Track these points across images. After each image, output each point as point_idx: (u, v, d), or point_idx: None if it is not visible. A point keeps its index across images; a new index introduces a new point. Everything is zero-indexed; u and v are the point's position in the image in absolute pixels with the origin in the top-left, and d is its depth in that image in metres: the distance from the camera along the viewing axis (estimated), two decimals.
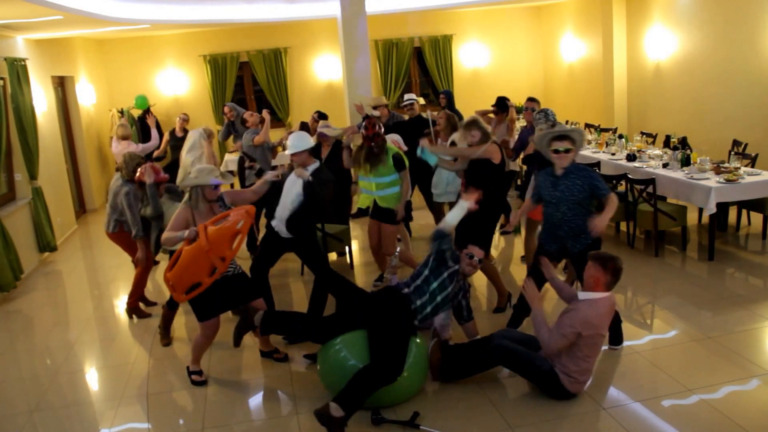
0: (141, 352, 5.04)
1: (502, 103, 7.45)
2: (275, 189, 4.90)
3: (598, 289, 3.80)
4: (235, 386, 4.39)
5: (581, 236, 4.29)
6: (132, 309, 5.75)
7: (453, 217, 4.43)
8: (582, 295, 3.86)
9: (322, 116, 8.68)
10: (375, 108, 7.40)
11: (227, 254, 4.02)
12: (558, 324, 3.83)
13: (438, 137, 6.54)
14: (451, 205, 6.51)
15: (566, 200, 4.25)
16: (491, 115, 7.64)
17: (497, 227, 6.78)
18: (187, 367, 4.51)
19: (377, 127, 5.29)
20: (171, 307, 5.12)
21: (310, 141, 4.84)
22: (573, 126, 4.11)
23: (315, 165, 4.88)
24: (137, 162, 5.43)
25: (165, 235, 4.20)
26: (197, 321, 4.32)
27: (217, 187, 4.27)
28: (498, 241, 7.32)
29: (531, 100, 6.87)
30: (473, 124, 5.00)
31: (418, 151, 5.22)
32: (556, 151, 4.22)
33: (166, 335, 5.16)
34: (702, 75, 9.04)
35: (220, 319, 4.36)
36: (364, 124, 5.35)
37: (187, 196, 4.30)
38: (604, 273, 3.76)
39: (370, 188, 5.51)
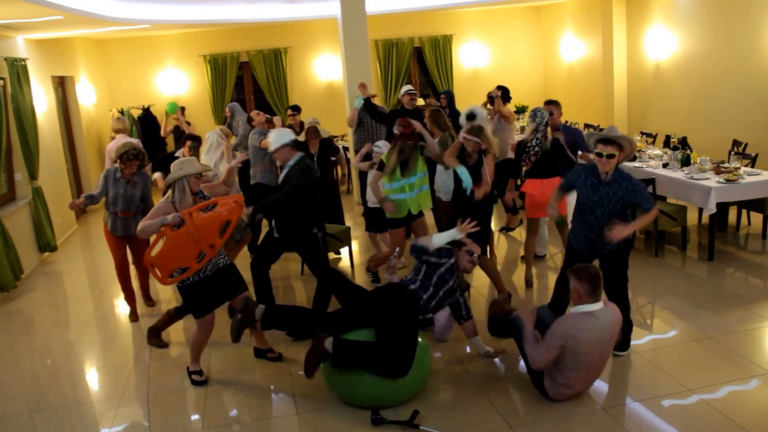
0: (141, 352, 5.04)
1: (492, 100, 7.55)
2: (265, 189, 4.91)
3: (583, 301, 3.68)
4: (235, 386, 4.39)
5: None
6: (132, 309, 5.76)
7: (438, 241, 4.31)
8: (573, 309, 3.76)
9: (295, 109, 8.80)
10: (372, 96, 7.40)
11: (217, 242, 4.06)
12: (545, 336, 3.77)
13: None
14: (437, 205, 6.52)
15: (603, 206, 4.15)
16: (489, 106, 7.68)
17: (497, 226, 6.79)
18: (187, 368, 4.50)
19: (411, 125, 5.19)
20: (179, 314, 5.00)
21: (289, 135, 4.85)
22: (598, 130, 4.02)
23: (297, 156, 4.84)
24: (127, 149, 5.41)
25: (141, 224, 4.08)
26: (193, 318, 4.32)
27: (200, 176, 4.27)
28: (498, 240, 7.32)
29: (549, 103, 6.34)
30: (483, 133, 4.94)
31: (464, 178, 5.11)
32: (599, 155, 4.08)
33: (158, 337, 5.10)
34: (702, 75, 9.04)
35: (215, 314, 4.36)
36: (398, 122, 5.22)
37: (169, 192, 4.23)
38: (580, 283, 3.65)
39: (404, 191, 5.36)
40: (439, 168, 6.33)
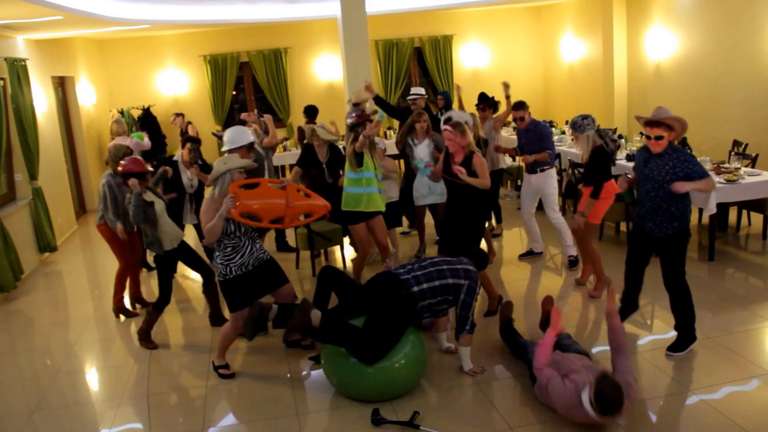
0: (141, 352, 5.04)
1: (484, 98, 7.50)
2: None
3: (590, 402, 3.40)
4: (235, 386, 4.39)
5: (664, 222, 4.21)
6: (118, 308, 5.76)
7: None
8: (582, 393, 3.45)
9: (309, 113, 8.46)
10: (356, 105, 7.35)
11: (294, 220, 4.46)
12: (553, 367, 3.71)
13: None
14: (433, 207, 6.50)
15: (652, 179, 4.18)
16: (478, 112, 7.64)
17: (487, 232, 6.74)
18: (212, 362, 4.55)
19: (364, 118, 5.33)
20: (157, 309, 5.04)
21: (246, 138, 4.94)
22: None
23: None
24: (124, 152, 5.43)
25: (208, 228, 4.11)
26: (228, 311, 4.39)
27: (242, 171, 4.35)
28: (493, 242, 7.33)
29: (516, 108, 6.51)
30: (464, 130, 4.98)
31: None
32: (648, 138, 4.17)
33: (148, 339, 5.11)
34: (702, 75, 9.04)
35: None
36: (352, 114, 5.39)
37: (212, 188, 4.24)
38: (595, 407, 3.36)
39: (361, 184, 5.37)
40: (417, 174, 6.37)
